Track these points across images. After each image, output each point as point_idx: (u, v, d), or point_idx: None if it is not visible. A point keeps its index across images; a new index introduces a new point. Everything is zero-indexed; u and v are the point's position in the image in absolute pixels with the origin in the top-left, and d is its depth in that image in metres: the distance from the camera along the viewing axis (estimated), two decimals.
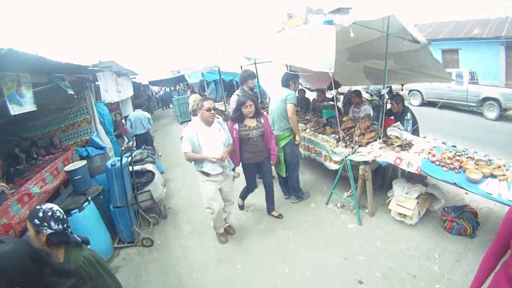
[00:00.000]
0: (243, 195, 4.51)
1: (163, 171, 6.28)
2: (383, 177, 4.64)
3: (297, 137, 4.25)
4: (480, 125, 9.07)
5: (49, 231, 1.66)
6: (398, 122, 4.35)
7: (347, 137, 4.31)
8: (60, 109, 6.39)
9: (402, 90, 12.44)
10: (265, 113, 3.92)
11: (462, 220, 3.51)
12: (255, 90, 4.93)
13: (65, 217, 1.76)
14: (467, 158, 3.55)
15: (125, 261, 3.93)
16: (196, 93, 12.41)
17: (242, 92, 4.68)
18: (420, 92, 12.04)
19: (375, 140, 4.18)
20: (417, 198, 3.76)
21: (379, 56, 4.74)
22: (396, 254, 3.39)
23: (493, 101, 9.53)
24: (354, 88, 7.75)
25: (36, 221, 1.64)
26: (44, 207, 1.70)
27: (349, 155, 3.99)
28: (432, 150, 3.76)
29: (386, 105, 4.17)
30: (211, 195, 3.55)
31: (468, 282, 2.91)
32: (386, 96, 4.14)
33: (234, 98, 4.72)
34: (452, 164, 3.39)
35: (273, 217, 4.34)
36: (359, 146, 4.10)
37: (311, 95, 7.78)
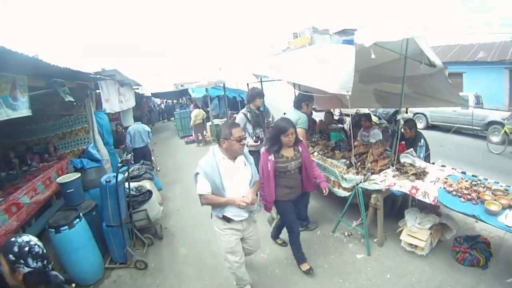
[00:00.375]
0: (276, 234, 4.08)
1: (161, 187, 6.03)
2: (392, 204, 4.42)
3: None
4: (485, 150, 8.90)
5: (26, 269, 1.42)
6: (411, 149, 4.14)
7: (359, 163, 4.08)
8: (58, 115, 6.20)
9: (406, 113, 12.29)
10: (301, 139, 3.45)
11: (475, 251, 3.35)
12: (261, 109, 4.75)
13: (45, 252, 1.51)
14: (484, 188, 3.38)
15: (116, 284, 3.66)
16: (199, 108, 12.30)
17: (248, 111, 4.51)
18: (425, 115, 11.93)
19: (388, 168, 3.96)
20: (430, 228, 3.59)
21: (391, 79, 4.63)
22: None
23: (499, 125, 9.40)
24: (361, 110, 7.64)
25: (11, 256, 1.41)
26: (20, 240, 1.46)
27: (360, 182, 3.77)
28: (447, 179, 3.58)
29: (400, 131, 3.96)
30: (231, 248, 2.80)
31: None
32: (402, 122, 3.94)
33: (240, 117, 4.54)
34: (469, 194, 3.21)
35: (277, 244, 4.08)
36: (372, 173, 3.88)
37: (316, 116, 7.61)
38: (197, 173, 2.64)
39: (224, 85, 8.32)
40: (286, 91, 9.12)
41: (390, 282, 3.27)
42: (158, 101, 27.11)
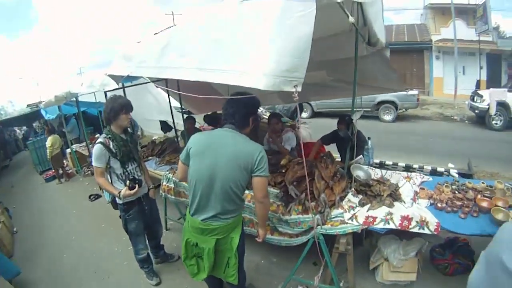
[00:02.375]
0: None
1: (18, 271, 3.70)
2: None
3: (260, 232, 2.31)
4: (379, 129, 9.00)
5: None
6: (361, 156, 3.03)
7: (302, 194, 2.60)
8: None
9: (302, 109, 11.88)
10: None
11: (462, 258, 2.85)
12: (130, 130, 3.02)
13: None
14: (469, 189, 2.68)
15: None
16: (54, 133, 9.20)
17: (110, 137, 2.69)
18: (310, 104, 11.67)
19: (347, 193, 2.68)
20: (416, 255, 2.62)
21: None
22: None
23: (389, 103, 9.72)
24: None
25: None
26: None
27: (318, 225, 2.39)
28: (424, 189, 2.64)
29: (355, 137, 2.73)
30: None
31: None
32: (355, 124, 2.73)
33: (98, 150, 2.64)
34: (466, 206, 2.43)
35: None
36: (331, 206, 2.50)
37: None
38: None
39: (77, 99, 6.01)
40: (153, 93, 7.46)
41: None
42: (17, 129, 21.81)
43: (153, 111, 7.54)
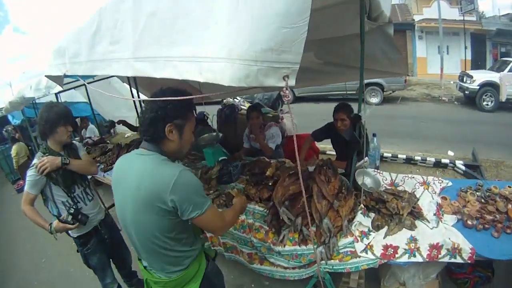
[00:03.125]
0: None
1: None
2: None
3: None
4: (366, 113, 8.55)
5: None
6: (366, 159, 2.44)
7: (298, 217, 1.97)
8: None
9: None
10: None
11: (481, 269, 2.42)
12: (74, 144, 2.38)
13: None
14: (499, 197, 2.13)
15: None
16: (19, 141, 8.30)
17: (47, 154, 2.08)
18: (291, 89, 11.17)
19: (356, 212, 2.05)
20: (437, 276, 2.09)
21: None
22: None
23: (376, 86, 9.48)
24: (229, 99, 5.88)
25: None
26: None
27: (322, 260, 1.82)
28: (446, 199, 2.10)
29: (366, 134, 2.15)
30: None
31: None
32: (363, 123, 2.18)
33: (32, 175, 2.01)
34: (500, 222, 1.89)
35: None
36: (337, 232, 1.91)
37: None
38: None
39: (34, 103, 5.31)
40: (116, 88, 6.49)
41: None
42: None
43: (121, 108, 6.90)
